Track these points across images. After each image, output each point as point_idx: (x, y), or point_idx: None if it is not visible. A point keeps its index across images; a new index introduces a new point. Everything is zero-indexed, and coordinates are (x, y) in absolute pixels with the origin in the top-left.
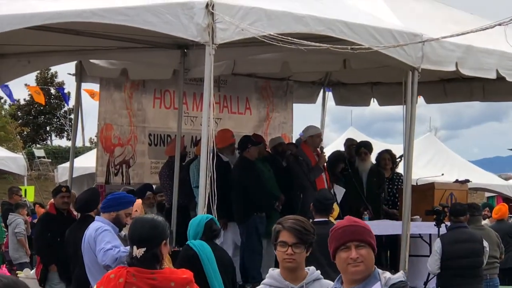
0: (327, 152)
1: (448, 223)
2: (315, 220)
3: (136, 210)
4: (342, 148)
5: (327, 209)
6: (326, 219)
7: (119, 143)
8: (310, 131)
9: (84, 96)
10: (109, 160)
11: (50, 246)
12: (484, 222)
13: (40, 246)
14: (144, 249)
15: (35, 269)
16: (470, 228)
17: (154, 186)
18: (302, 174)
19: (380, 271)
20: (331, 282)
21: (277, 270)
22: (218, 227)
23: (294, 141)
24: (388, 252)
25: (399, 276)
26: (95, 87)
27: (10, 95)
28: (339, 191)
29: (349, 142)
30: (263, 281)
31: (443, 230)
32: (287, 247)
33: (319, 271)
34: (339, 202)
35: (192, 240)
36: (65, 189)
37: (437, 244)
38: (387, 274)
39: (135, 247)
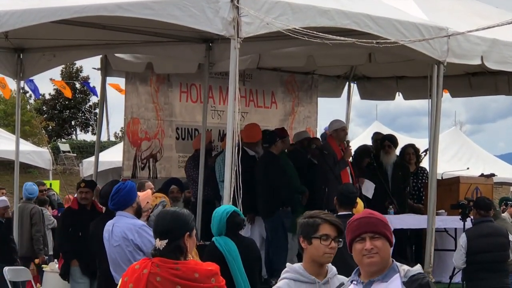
0: (353, 146)
1: (472, 217)
2: (339, 213)
3: (148, 202)
4: (368, 142)
5: (351, 202)
6: (350, 212)
7: (146, 137)
8: (335, 125)
9: (109, 90)
10: (136, 154)
11: (70, 241)
12: (503, 215)
13: (61, 242)
14: (166, 241)
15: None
16: (498, 222)
17: (183, 182)
18: (327, 167)
19: (398, 264)
20: (346, 278)
21: (297, 264)
22: (241, 218)
23: (319, 135)
24: (413, 246)
25: (418, 268)
26: (120, 81)
27: (35, 90)
28: (370, 186)
29: (376, 136)
30: (285, 276)
31: (468, 224)
32: (330, 240)
33: (334, 268)
34: (371, 197)
35: (217, 238)
36: (84, 184)
37: (462, 239)
38: (405, 267)
39: (157, 239)
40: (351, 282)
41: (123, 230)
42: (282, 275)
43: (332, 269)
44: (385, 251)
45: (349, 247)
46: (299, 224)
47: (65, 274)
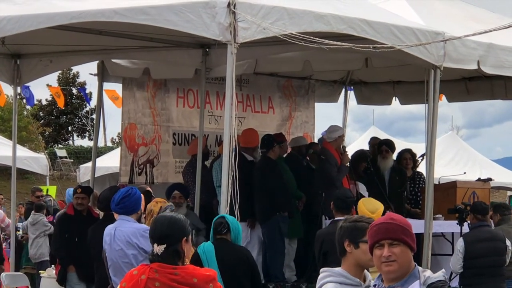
0: (349, 151)
1: (469, 222)
2: (336, 218)
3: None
4: (364, 147)
5: (348, 207)
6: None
7: (143, 142)
8: (338, 132)
9: (106, 97)
10: (133, 159)
11: (67, 246)
12: None
13: (57, 247)
14: (164, 246)
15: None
16: (503, 227)
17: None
18: (327, 173)
19: (420, 269)
20: None
21: (337, 268)
22: (222, 222)
23: (316, 141)
24: None
25: (439, 275)
26: (117, 86)
27: (29, 98)
28: (362, 188)
29: (373, 141)
30: (329, 279)
31: (465, 228)
32: None
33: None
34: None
35: (205, 242)
36: (81, 189)
37: (459, 244)
38: (427, 273)
39: (155, 244)
40: (374, 286)
41: (126, 234)
42: (324, 279)
43: (368, 275)
44: (404, 258)
45: (370, 252)
46: (343, 228)
47: (62, 280)
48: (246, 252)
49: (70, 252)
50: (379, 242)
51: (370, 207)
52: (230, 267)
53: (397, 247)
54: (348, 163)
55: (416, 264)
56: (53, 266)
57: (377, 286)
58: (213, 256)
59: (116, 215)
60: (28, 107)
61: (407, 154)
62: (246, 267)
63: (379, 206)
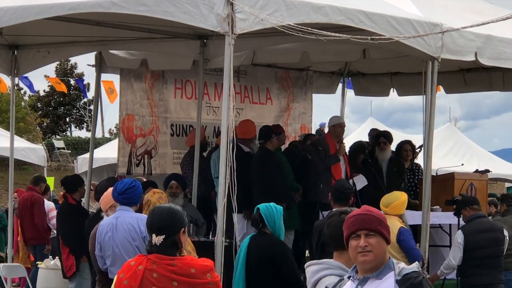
0: (347, 142)
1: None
2: (333, 210)
3: None
4: (362, 138)
5: (346, 198)
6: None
7: (141, 133)
8: (331, 121)
9: (103, 88)
10: (131, 150)
11: (79, 237)
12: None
13: (70, 238)
14: (163, 236)
15: (54, 260)
16: (507, 218)
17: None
18: (318, 160)
19: (395, 261)
20: None
21: (335, 261)
22: (255, 218)
23: (314, 132)
24: None
25: (413, 266)
26: (115, 77)
27: (30, 86)
28: (361, 180)
29: (373, 132)
30: (328, 272)
31: (462, 220)
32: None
33: None
34: (357, 190)
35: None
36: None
37: (459, 236)
38: (402, 264)
39: (154, 235)
40: (349, 278)
41: (129, 221)
42: (322, 271)
43: None
44: (380, 249)
45: (346, 244)
46: (340, 220)
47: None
48: (274, 247)
49: (82, 243)
50: (356, 232)
51: (384, 201)
52: (255, 261)
53: (373, 237)
54: (343, 154)
55: (391, 256)
56: (51, 257)
57: (352, 277)
58: (243, 250)
59: (114, 205)
60: (26, 98)
61: (407, 146)
62: (271, 262)
63: (393, 199)
